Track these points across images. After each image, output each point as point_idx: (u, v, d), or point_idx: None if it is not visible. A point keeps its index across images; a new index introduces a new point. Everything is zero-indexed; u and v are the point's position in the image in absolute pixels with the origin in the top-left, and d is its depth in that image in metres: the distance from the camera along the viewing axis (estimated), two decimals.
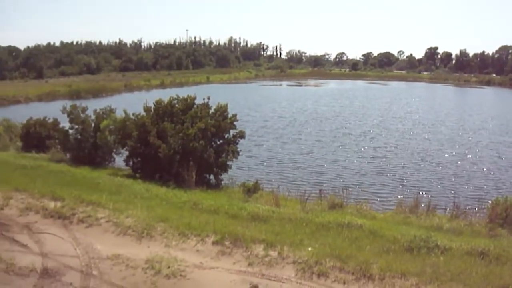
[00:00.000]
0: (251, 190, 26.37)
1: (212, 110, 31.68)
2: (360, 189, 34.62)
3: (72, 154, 36.08)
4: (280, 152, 49.96)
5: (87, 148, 35.50)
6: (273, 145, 54.02)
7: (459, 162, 46.71)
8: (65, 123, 38.16)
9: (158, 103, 32.04)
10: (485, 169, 44.26)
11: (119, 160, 35.95)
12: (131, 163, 32.22)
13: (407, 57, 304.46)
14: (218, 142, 31.62)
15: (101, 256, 14.04)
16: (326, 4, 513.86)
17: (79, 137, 35.69)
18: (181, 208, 19.89)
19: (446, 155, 50.01)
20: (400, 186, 36.74)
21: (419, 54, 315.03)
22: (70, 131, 36.56)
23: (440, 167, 44.27)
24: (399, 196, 31.01)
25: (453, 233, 19.28)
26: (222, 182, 31.55)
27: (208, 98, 32.33)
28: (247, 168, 40.40)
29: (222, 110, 31.45)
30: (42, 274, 13.00)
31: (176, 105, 31.97)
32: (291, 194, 28.13)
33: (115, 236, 15.81)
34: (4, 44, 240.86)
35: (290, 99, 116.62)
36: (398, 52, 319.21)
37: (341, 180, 37.76)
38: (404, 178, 39.68)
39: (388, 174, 41.01)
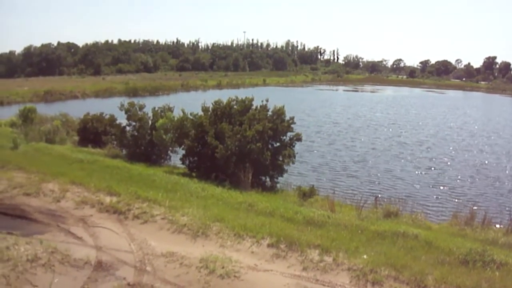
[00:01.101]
0: (306, 194, 26.25)
1: (269, 113, 31.66)
2: (415, 199, 34.21)
3: (128, 151, 36.56)
4: (333, 159, 49.30)
5: (143, 145, 36.03)
6: (326, 151, 53.32)
7: None
8: (121, 120, 38.61)
9: (216, 103, 32.21)
10: None
11: (175, 159, 36.27)
12: (187, 162, 32.41)
13: (464, 66, 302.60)
14: (275, 145, 31.63)
15: (155, 252, 14.12)
16: (386, 10, 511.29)
17: (136, 134, 36.17)
18: (237, 209, 19.92)
19: (503, 169, 48.93)
20: (456, 199, 36.01)
21: (477, 63, 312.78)
22: (127, 127, 36.96)
23: (497, 181, 43.26)
24: (454, 208, 30.49)
25: (509, 248, 18.83)
26: (277, 185, 31.58)
27: (267, 101, 32.37)
28: (297, 173, 39.75)
29: (279, 113, 31.39)
30: (96, 267, 13.17)
31: (235, 107, 32.11)
32: (346, 201, 27.96)
33: (170, 233, 15.91)
34: (63, 40, 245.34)
35: (345, 104, 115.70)
36: (456, 60, 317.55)
37: (395, 190, 37.07)
38: (459, 191, 38.95)
39: (444, 186, 40.19)
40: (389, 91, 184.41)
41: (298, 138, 32.07)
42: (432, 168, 46.89)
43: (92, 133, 41.83)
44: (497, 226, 24.81)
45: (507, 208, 32.45)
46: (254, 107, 32.16)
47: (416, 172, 44.81)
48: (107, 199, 18.96)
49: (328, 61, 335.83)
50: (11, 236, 14.73)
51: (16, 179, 21.83)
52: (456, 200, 35.20)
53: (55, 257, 13.29)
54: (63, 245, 14.24)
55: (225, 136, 29.37)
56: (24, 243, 14.02)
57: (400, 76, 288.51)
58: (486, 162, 51.77)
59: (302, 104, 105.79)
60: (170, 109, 37.25)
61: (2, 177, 22.36)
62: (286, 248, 14.74)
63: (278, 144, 31.68)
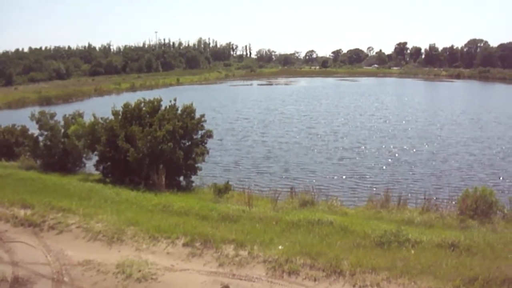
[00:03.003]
0: (222, 190, 26.37)
1: (178, 112, 31.69)
2: (330, 187, 34.74)
3: (42, 161, 35.89)
4: (246, 155, 49.61)
5: (57, 154, 35.39)
6: (238, 148, 53.69)
7: (430, 159, 46.92)
8: (34, 130, 38.02)
9: (125, 106, 31.93)
10: (456, 165, 44.42)
11: (90, 165, 35.72)
12: (101, 167, 32.10)
13: (376, 53, 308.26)
14: (186, 144, 31.63)
15: (72, 262, 14.02)
16: (294, 3, 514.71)
17: (49, 143, 35.51)
18: (151, 211, 19.93)
19: (417, 152, 50.13)
20: (371, 184, 36.72)
21: (388, 49, 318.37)
22: (40, 137, 36.43)
23: (411, 164, 44.45)
24: (370, 193, 30.97)
25: (424, 226, 19.49)
26: (193, 184, 31.55)
27: (175, 100, 32.28)
28: (211, 171, 39.64)
29: (188, 111, 31.50)
30: (13, 283, 12.96)
31: (144, 108, 31.96)
32: (263, 194, 28.12)
33: (86, 241, 15.78)
34: None
35: (257, 99, 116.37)
36: (368, 48, 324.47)
37: (311, 181, 36.96)
38: (374, 177, 39.74)
39: (359, 173, 41.05)
40: (302, 83, 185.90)
41: (210, 135, 32.32)
42: (347, 157, 47.62)
43: (4, 146, 40.93)
44: (413, 205, 25.41)
45: (422, 189, 33.25)
46: (163, 107, 32.11)
47: (331, 162, 45.45)
48: (21, 213, 18.59)
49: (241, 56, 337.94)
50: None
51: None
52: (372, 186, 35.84)
53: None
54: None
55: (136, 139, 29.23)
56: None
57: (313, 67, 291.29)
58: (401, 146, 52.95)
59: (213, 101, 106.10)
60: (81, 115, 36.82)
61: None
62: (201, 246, 14.88)
63: (189, 142, 31.71)
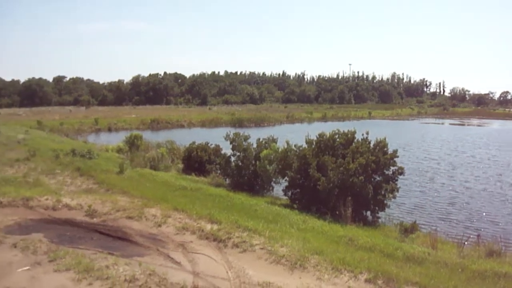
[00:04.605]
0: (408, 230, 25.78)
1: (371, 145, 31.31)
2: None
3: (231, 180, 36.87)
4: (431, 197, 46.67)
5: (247, 175, 36.24)
6: (423, 189, 50.59)
7: None
8: (225, 150, 39.01)
9: (320, 136, 32.07)
10: None
11: (277, 189, 36.25)
12: (289, 193, 32.31)
13: None
14: (377, 179, 31.08)
15: (252, 281, 14.07)
16: (491, 41, 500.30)
17: (240, 164, 36.44)
18: (337, 243, 19.62)
19: None
20: None
21: None
22: (232, 157, 37.47)
23: None
24: None
25: None
26: (379, 220, 31.02)
27: (367, 133, 31.96)
28: (397, 209, 38.72)
29: (381, 146, 30.94)
30: None
31: (338, 139, 31.89)
32: (448, 237, 27.23)
33: (268, 263, 15.81)
34: (171, 71, 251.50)
35: (447, 139, 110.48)
36: None
37: (497, 229, 35.36)
38: None
39: None
40: (495, 125, 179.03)
41: (401, 172, 31.35)
42: None
43: (196, 161, 42.59)
44: None
45: None
46: (356, 140, 31.87)
47: None
48: (208, 227, 19.12)
49: (434, 94, 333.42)
50: (112, 256, 15.29)
51: (120, 203, 22.56)
52: None
53: (152, 280, 13.54)
54: (161, 268, 14.52)
55: (327, 169, 29.15)
56: (123, 264, 14.48)
57: (507, 109, 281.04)
58: None
59: (403, 138, 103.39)
60: (275, 141, 37.44)
61: (107, 199, 23.16)
62: (383, 284, 14.41)
63: (380, 178, 31.04)
